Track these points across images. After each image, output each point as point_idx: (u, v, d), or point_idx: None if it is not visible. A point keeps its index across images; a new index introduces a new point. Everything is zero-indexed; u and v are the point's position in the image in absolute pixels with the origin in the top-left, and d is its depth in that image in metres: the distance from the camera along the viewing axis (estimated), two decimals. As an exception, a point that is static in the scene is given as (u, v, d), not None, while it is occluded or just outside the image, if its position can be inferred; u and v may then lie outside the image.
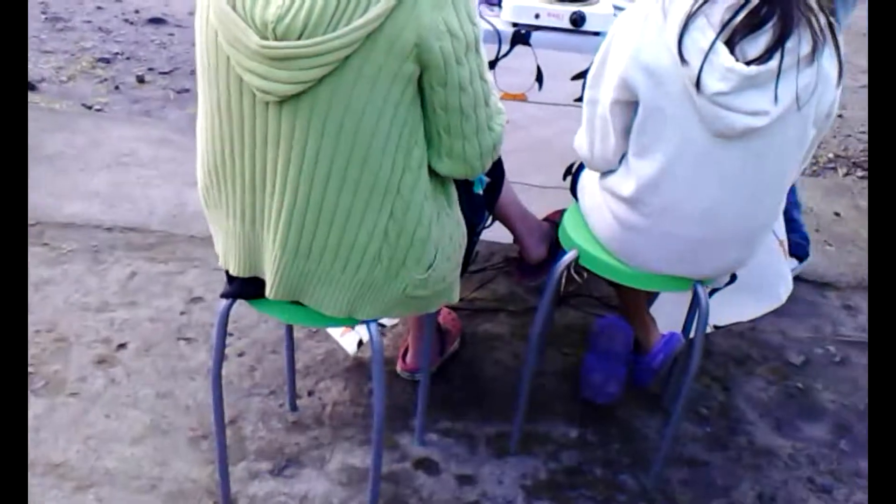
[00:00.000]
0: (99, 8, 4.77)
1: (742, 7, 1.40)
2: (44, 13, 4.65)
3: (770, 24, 1.40)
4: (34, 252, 2.57)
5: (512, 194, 2.06)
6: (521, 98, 2.14)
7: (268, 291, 1.43)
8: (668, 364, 1.97)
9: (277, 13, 1.20)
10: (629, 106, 1.55)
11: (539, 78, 2.09)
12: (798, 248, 2.60)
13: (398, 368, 2.21)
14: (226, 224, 1.44)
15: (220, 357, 1.61)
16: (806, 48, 1.42)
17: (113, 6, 4.75)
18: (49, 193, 2.89)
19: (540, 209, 2.26)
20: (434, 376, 2.20)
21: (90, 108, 3.65)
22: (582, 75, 2.02)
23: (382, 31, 1.21)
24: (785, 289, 2.17)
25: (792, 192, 2.56)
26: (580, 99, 1.72)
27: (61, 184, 2.96)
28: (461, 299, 2.52)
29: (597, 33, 1.91)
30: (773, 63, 1.40)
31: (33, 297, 2.36)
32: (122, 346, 2.23)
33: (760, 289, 2.16)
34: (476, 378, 2.23)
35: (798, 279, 2.65)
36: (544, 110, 2.12)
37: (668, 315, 2.15)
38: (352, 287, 1.41)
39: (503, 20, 2.03)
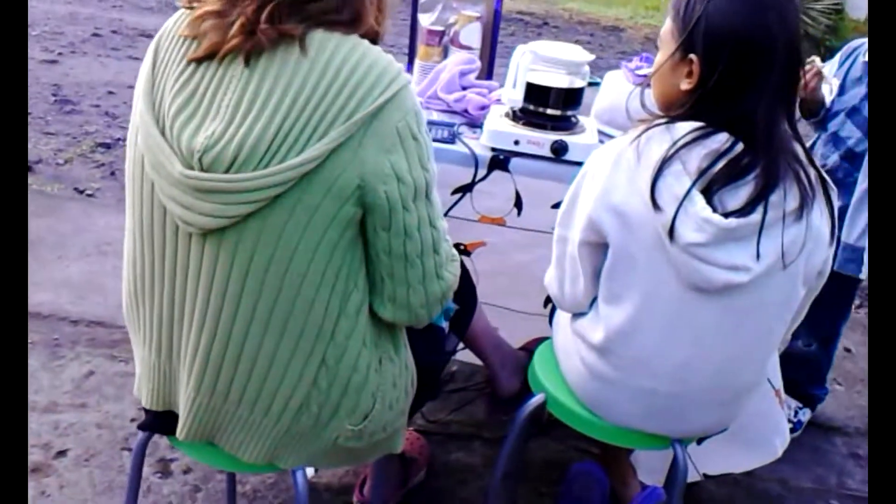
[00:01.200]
0: (110, 93, 4.80)
1: (722, 155, 1.28)
2: (54, 95, 4.68)
3: (752, 175, 1.28)
4: (-9, 342, 2.44)
5: (484, 322, 1.92)
6: (500, 222, 2.03)
7: (179, 431, 1.29)
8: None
9: (205, 143, 1.10)
10: (599, 248, 1.43)
11: (518, 203, 1.99)
12: (814, 399, 2.45)
13: (354, 500, 2.02)
14: (141, 352, 1.31)
15: (135, 493, 1.46)
16: (793, 203, 1.29)
17: (124, 92, 4.77)
18: (21, 280, 2.79)
19: (519, 334, 2.12)
20: (394, 511, 2.02)
21: (82, 192, 3.60)
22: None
23: (321, 171, 1.11)
24: (781, 442, 1.98)
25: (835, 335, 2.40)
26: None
27: (36, 272, 2.86)
28: (434, 422, 2.35)
29: (579, 163, 1.80)
30: (755, 217, 1.27)
31: (-20, 393, 2.23)
32: (61, 453, 2.08)
33: (754, 441, 1.96)
34: (439, 516, 2.04)
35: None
36: (523, 236, 2.01)
37: (650, 462, 1.97)
38: (273, 435, 1.26)
39: (481, 144, 1.94)
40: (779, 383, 1.95)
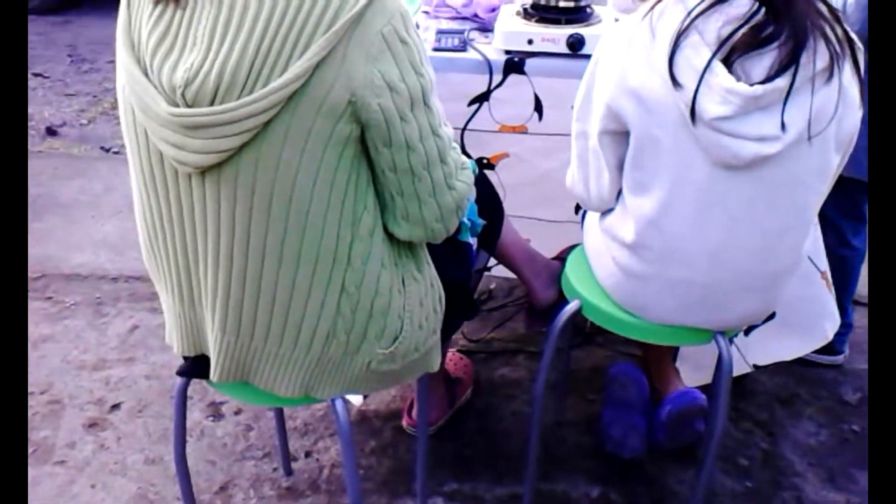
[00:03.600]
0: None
1: (744, 23, 1.19)
2: (70, 56, 4.67)
3: (777, 40, 1.19)
4: (37, 308, 2.49)
5: (514, 234, 1.88)
6: (522, 130, 1.96)
7: (212, 373, 1.29)
8: (680, 420, 1.74)
9: (185, 77, 1.06)
10: (620, 137, 1.36)
11: (538, 108, 1.91)
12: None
13: (404, 423, 2.04)
14: (166, 300, 1.31)
15: (182, 438, 1.47)
16: (822, 63, 1.21)
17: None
18: (59, 245, 2.83)
19: (553, 245, 2.07)
20: (443, 430, 2.04)
21: (108, 150, 3.60)
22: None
23: (308, 90, 1.05)
24: (831, 325, 1.92)
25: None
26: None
27: (72, 234, 2.90)
28: (476, 341, 2.35)
29: (598, 57, 1.73)
30: (783, 81, 1.19)
31: (32, 356, 2.28)
32: (115, 406, 2.12)
33: (803, 326, 1.91)
34: (489, 432, 2.05)
35: (857, 301, 2.39)
36: (547, 141, 1.94)
37: (697, 359, 1.94)
38: (305, 366, 1.25)
39: (494, 48, 1.86)
40: (824, 265, 1.88)
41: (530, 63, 1.84)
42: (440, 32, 1.93)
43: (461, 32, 1.93)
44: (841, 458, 2.00)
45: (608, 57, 1.34)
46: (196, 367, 1.35)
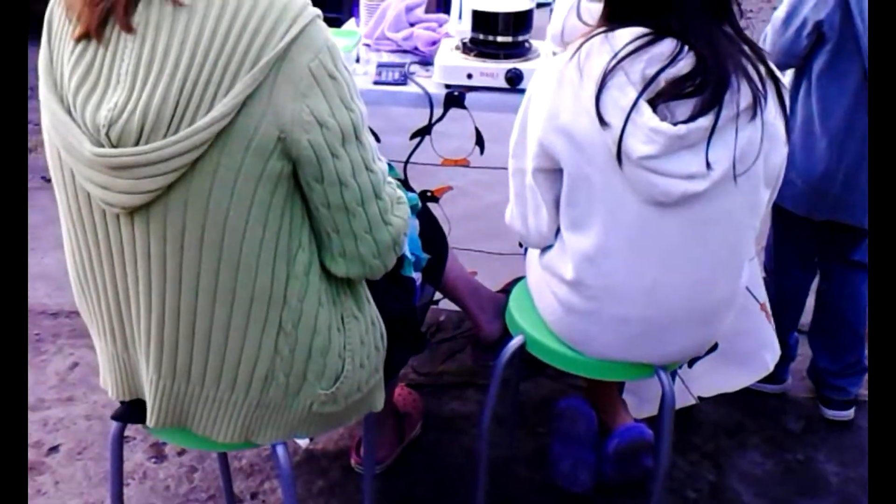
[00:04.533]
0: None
1: (669, 63, 1.22)
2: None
3: (701, 82, 1.22)
4: (-28, 346, 2.41)
5: (459, 268, 1.88)
6: (464, 163, 1.97)
7: (148, 418, 1.25)
8: (627, 454, 1.75)
9: (109, 116, 1.04)
10: (554, 174, 1.38)
11: (479, 141, 1.93)
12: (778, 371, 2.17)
13: (352, 462, 2.01)
14: (99, 343, 1.27)
15: (119, 485, 1.44)
16: (745, 102, 1.24)
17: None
18: (-3, 279, 2.75)
19: (498, 277, 2.08)
20: (392, 468, 2.01)
21: (49, 180, 3.50)
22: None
23: (235, 127, 1.04)
24: (772, 356, 1.96)
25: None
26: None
27: (11, 267, 2.82)
28: (425, 374, 2.34)
29: (536, 92, 1.75)
30: (706, 121, 1.22)
31: (-35, 398, 2.20)
32: (53, 449, 2.06)
33: (745, 357, 1.94)
34: (439, 468, 2.03)
35: (800, 330, 2.44)
36: (490, 175, 1.95)
37: (642, 393, 1.95)
38: (244, 410, 1.22)
39: (435, 82, 1.87)
40: (763, 297, 1.92)
41: (470, 97, 1.86)
42: (381, 65, 1.94)
43: (402, 66, 1.94)
44: (786, 487, 2.02)
45: (539, 95, 1.36)
46: (132, 411, 1.32)
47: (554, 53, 1.93)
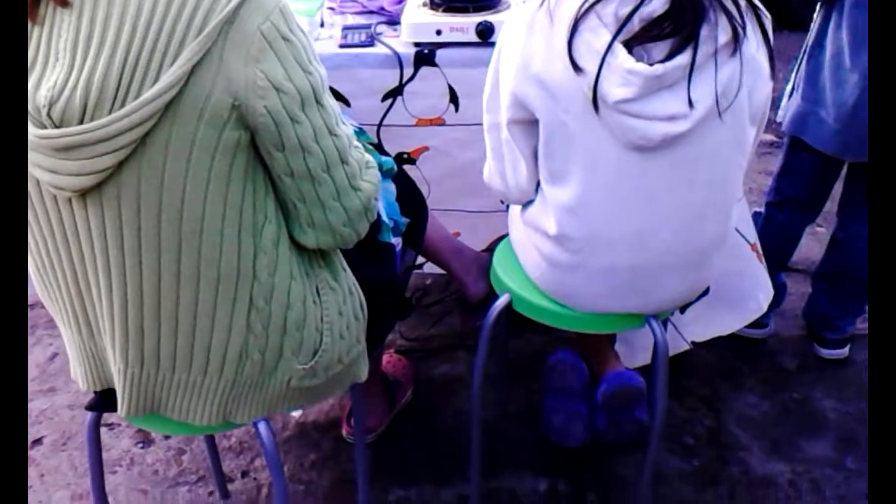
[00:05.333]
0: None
1: (642, 3, 1.16)
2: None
3: (676, 21, 1.16)
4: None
5: (440, 230, 1.83)
6: (439, 122, 1.90)
7: (119, 408, 1.20)
8: (617, 401, 1.71)
9: (49, 96, 0.97)
10: (530, 125, 1.32)
11: (454, 99, 1.86)
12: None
13: (343, 432, 1.98)
14: (66, 332, 1.22)
15: (99, 476, 1.39)
16: (724, 37, 1.18)
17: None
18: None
19: (482, 236, 2.03)
20: (385, 435, 1.98)
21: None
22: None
23: (185, 97, 0.97)
24: (765, 295, 1.93)
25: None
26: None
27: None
28: (414, 339, 2.30)
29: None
30: (684, 58, 1.16)
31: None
32: (37, 441, 2.01)
33: (737, 299, 1.91)
34: (432, 432, 2.00)
35: (789, 268, 2.41)
36: (466, 132, 1.89)
37: (635, 341, 1.92)
38: (219, 392, 1.17)
39: (403, 41, 1.80)
40: (753, 237, 1.88)
41: (441, 54, 1.79)
42: (346, 28, 1.87)
43: (368, 27, 1.87)
44: (784, 428, 2.00)
45: (510, 45, 1.30)
46: (106, 399, 1.27)
47: (522, 1, 1.87)
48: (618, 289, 1.39)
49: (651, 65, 1.18)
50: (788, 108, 1.99)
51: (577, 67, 1.19)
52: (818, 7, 1.90)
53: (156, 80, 0.96)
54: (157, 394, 1.18)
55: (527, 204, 1.46)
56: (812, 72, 1.91)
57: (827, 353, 2.20)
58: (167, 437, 2.00)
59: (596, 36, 1.18)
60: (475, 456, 1.70)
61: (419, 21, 1.78)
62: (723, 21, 1.18)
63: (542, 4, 1.24)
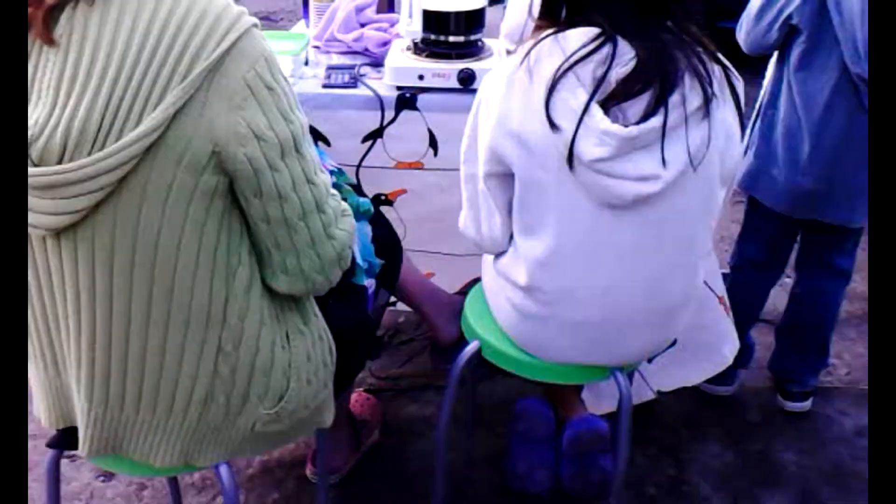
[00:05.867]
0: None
1: (614, 64, 1.20)
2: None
3: (650, 83, 1.20)
4: None
5: (414, 273, 1.85)
6: (418, 166, 1.93)
7: (80, 447, 1.20)
8: (582, 447, 1.72)
9: (30, 134, 0.98)
10: (506, 179, 1.35)
11: (433, 143, 1.89)
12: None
13: (308, 472, 1.97)
14: (31, 367, 1.21)
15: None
16: (695, 102, 1.22)
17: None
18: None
19: (456, 278, 2.05)
20: (349, 477, 1.96)
21: None
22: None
23: (166, 142, 0.99)
24: (731, 349, 1.95)
25: None
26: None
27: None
28: (384, 378, 2.29)
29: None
30: (656, 121, 1.20)
31: None
32: (-5, 471, 1.97)
33: (704, 351, 1.93)
34: (398, 474, 1.99)
35: (760, 319, 2.44)
36: (444, 177, 1.92)
37: (602, 390, 1.93)
38: (182, 434, 1.17)
39: (386, 84, 1.83)
40: (721, 289, 1.91)
41: (422, 98, 1.82)
42: (330, 68, 1.89)
43: (352, 68, 1.90)
44: (746, 479, 2.02)
45: (489, 99, 1.33)
46: (68, 437, 1.26)
47: (508, 52, 1.91)
48: (586, 342, 1.41)
49: (626, 126, 1.21)
50: (742, 165, 2.03)
51: (553, 125, 1.22)
52: (771, 62, 1.96)
53: (137, 123, 0.97)
54: (119, 434, 1.18)
55: (499, 254, 1.48)
56: (766, 130, 1.97)
57: (790, 405, 2.23)
58: (129, 471, 1.97)
59: (573, 95, 1.21)
60: (439, 501, 1.70)
61: (402, 65, 1.81)
62: (695, 86, 1.22)
63: (522, 61, 1.27)
